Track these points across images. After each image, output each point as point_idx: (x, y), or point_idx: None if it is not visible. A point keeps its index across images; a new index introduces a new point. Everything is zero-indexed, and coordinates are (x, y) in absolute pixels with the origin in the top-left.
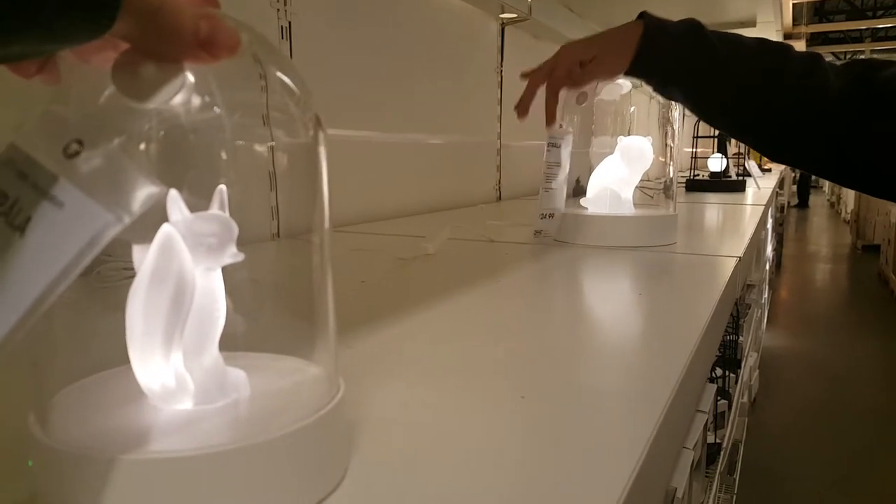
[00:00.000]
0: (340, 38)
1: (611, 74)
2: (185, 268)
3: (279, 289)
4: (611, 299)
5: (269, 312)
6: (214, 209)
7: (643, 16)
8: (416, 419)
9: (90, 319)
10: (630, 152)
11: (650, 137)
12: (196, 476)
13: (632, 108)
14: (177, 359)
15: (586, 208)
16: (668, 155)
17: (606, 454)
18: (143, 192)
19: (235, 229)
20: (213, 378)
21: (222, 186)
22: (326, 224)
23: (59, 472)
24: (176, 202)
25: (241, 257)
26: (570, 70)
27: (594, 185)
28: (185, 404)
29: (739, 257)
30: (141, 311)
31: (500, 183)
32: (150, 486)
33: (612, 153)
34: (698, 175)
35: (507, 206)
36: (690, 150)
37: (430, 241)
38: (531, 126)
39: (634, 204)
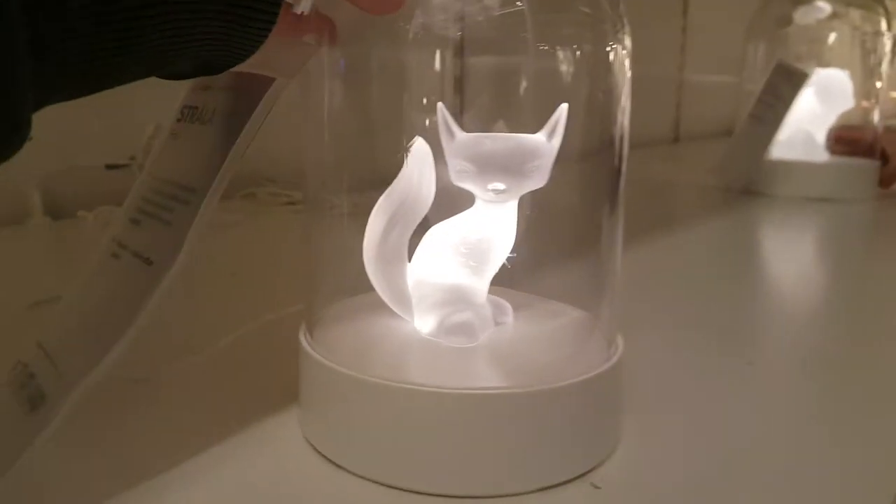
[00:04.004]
0: None
1: None
2: (405, 183)
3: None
4: (816, 259)
5: (548, 254)
6: (544, 130)
7: None
8: (658, 374)
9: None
10: (828, 87)
11: (848, 72)
12: (448, 413)
13: (832, 36)
14: (398, 273)
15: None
16: (874, 98)
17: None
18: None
19: (507, 159)
20: (460, 308)
21: (564, 105)
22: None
23: (318, 381)
24: (444, 118)
25: (498, 189)
26: None
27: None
28: (420, 326)
29: None
30: (371, 219)
31: (678, 122)
32: (398, 414)
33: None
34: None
35: (686, 148)
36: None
37: None
38: (720, 60)
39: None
